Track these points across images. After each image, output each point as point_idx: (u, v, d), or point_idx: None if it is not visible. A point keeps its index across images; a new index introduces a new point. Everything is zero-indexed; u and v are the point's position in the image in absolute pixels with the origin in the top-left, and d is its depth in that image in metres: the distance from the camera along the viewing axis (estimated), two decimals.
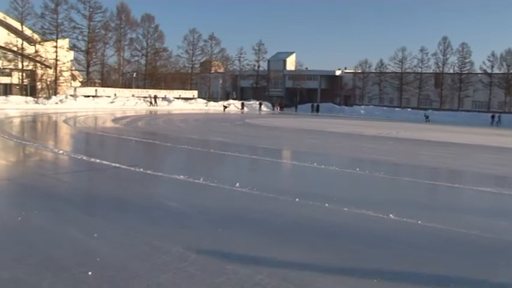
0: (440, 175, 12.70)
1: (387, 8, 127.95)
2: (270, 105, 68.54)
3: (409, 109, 64.47)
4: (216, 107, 60.11)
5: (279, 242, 5.63)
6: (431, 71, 71.60)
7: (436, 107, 66.69)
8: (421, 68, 71.87)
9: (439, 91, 69.57)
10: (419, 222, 6.59)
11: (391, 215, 6.86)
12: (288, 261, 4.96)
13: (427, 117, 52.29)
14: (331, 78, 79.22)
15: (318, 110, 63.20)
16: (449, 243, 5.87)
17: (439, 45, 70.17)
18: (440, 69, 70.30)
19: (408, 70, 72.71)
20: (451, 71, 69.72)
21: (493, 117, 51.15)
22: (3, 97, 46.87)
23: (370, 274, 4.65)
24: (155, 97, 57.67)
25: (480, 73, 68.15)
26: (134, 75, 68.59)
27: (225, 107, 57.20)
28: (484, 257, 5.41)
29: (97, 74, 67.23)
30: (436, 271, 4.85)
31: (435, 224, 6.48)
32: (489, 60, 66.97)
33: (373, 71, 75.99)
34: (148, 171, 10.24)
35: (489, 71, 66.92)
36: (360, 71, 76.66)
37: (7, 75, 60.61)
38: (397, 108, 65.15)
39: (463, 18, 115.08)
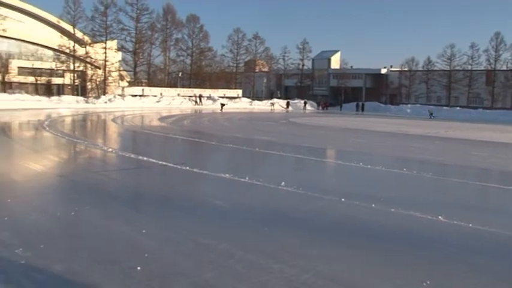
0: (492, 176, 12.26)
1: (435, 4, 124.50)
2: (314, 104, 68.19)
3: (458, 108, 62.61)
4: (260, 106, 60.33)
5: (326, 242, 5.58)
6: (482, 68, 69.12)
7: (487, 106, 64.47)
8: (471, 65, 69.46)
9: (490, 89, 67.05)
10: (470, 225, 6.38)
11: (440, 217, 6.67)
12: (334, 261, 4.91)
13: (431, 113, 50.88)
14: (376, 76, 77.91)
15: (363, 109, 62.34)
16: (502, 247, 5.66)
17: (490, 41, 67.53)
18: (492, 66, 67.63)
19: (457, 67, 70.40)
20: (504, 67, 67.03)
21: None
22: (57, 97, 48.77)
23: (419, 276, 4.54)
24: (200, 96, 58.42)
25: None
26: (180, 75, 69.72)
27: (272, 105, 57.38)
28: None
29: (144, 73, 68.86)
30: (488, 276, 4.69)
31: (487, 228, 6.26)
32: None
33: (420, 69, 74.14)
34: (195, 170, 10.37)
35: None
36: (406, 69, 74.92)
37: (60, 76, 63.01)
38: (445, 107, 63.40)
39: None
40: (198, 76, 71.67)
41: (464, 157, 15.60)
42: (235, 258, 4.84)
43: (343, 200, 7.68)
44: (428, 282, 4.39)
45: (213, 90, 63.68)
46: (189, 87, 65.27)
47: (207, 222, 6.29)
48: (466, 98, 68.40)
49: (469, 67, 69.35)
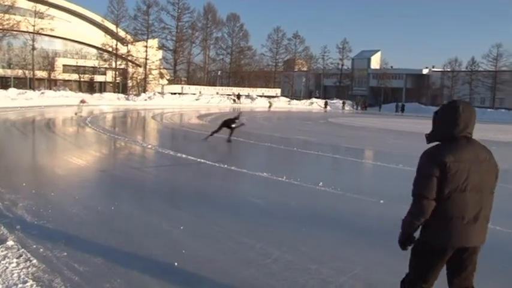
0: None
1: (480, 3, 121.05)
2: (353, 104, 67.45)
3: (503, 110, 60.61)
4: (298, 105, 60.09)
5: (364, 244, 5.48)
6: None
7: None
8: None
9: None
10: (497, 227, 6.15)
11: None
12: (372, 264, 4.82)
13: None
14: (417, 77, 76.29)
15: (403, 110, 61.19)
16: None
17: None
18: None
19: (503, 68, 68.18)
20: None
21: None
22: (99, 94, 50.01)
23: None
24: (239, 95, 58.68)
25: None
26: (219, 73, 70.22)
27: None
28: None
29: (183, 72, 69.76)
30: None
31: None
32: None
33: (464, 69, 72.13)
34: (233, 168, 10.42)
35: None
36: (449, 70, 73.04)
37: (102, 74, 64.50)
38: (489, 109, 61.48)
39: None
40: (236, 75, 72.04)
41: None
42: (272, 257, 4.82)
43: (382, 201, 7.54)
44: None
45: (252, 89, 63.85)
46: (228, 86, 65.67)
47: (244, 220, 6.30)
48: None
49: None
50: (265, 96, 61.19)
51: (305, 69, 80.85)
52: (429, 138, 2.97)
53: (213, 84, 66.69)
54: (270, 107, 48.55)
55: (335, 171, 11.96)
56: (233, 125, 15.95)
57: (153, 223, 5.93)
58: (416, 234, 2.94)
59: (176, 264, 4.49)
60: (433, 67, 76.58)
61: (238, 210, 6.86)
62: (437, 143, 2.90)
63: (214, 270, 4.45)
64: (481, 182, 2.79)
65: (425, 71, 76.24)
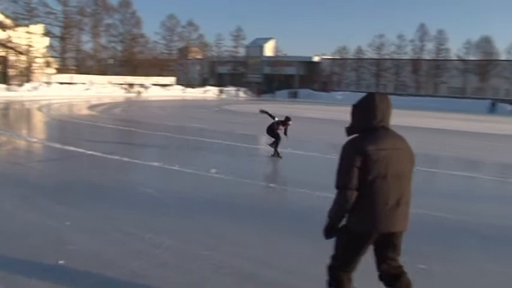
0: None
1: None
2: (248, 91, 68.41)
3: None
4: (193, 93, 59.70)
5: (257, 228, 5.62)
6: (408, 58, 72.26)
7: (411, 93, 67.37)
8: (399, 54, 72.51)
9: (415, 77, 70.29)
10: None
11: None
12: (268, 246, 4.97)
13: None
14: (309, 64, 79.17)
15: (296, 96, 63.30)
16: None
17: (416, 32, 71.03)
18: (418, 55, 71.03)
19: (386, 56, 73.22)
20: (428, 57, 70.57)
21: (493, 104, 51.71)
22: None
23: None
24: (132, 84, 56.95)
25: (456, 60, 69.16)
26: (111, 62, 67.59)
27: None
28: None
29: (72, 60, 66.04)
30: None
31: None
32: (465, 48, 68.33)
33: (351, 57, 76.32)
34: (125, 159, 10.15)
35: (464, 57, 68.05)
36: (338, 57, 76.86)
37: None
38: None
39: (440, 6, 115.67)
40: (129, 63, 69.69)
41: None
42: (163, 246, 4.79)
43: (272, 185, 7.79)
44: None
45: (146, 77, 62.28)
46: (121, 75, 63.45)
47: (135, 211, 6.16)
48: (393, 85, 71.22)
49: (397, 56, 72.39)
50: (159, 85, 59.99)
51: (200, 57, 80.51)
52: (349, 130, 3.06)
53: (105, 73, 64.02)
54: (137, 95, 47.05)
55: (229, 157, 12.07)
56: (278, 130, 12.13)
57: (37, 221, 5.60)
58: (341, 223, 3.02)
59: (61, 262, 4.30)
60: (324, 55, 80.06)
61: (128, 202, 6.70)
62: (356, 135, 2.99)
63: (101, 263, 4.32)
64: (400, 169, 2.92)
65: (316, 59, 79.34)
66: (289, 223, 5.90)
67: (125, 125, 18.55)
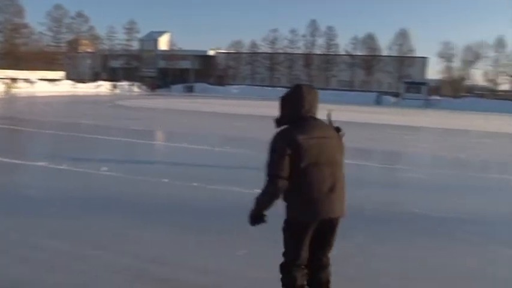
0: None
1: None
2: (142, 86, 66.84)
3: (279, 88, 66.80)
4: (84, 88, 57.10)
5: (149, 224, 5.54)
6: (301, 52, 75.08)
7: None
8: (292, 48, 75.19)
9: (308, 71, 73.21)
10: None
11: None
12: (158, 241, 4.93)
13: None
14: (204, 58, 79.19)
15: (192, 91, 63.04)
16: None
17: (308, 28, 74.02)
18: (309, 50, 74.15)
19: (279, 51, 75.49)
20: (319, 52, 73.98)
21: (379, 97, 55.08)
22: None
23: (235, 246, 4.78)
24: (15, 78, 53.09)
25: (344, 54, 73.15)
26: None
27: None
28: None
29: None
30: None
31: None
32: (352, 43, 72.70)
33: (246, 51, 77.56)
34: (5, 160, 9.48)
35: (352, 53, 72.34)
36: (233, 51, 77.72)
37: None
38: (268, 88, 67.17)
39: (330, 2, 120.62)
40: (11, 56, 64.89)
41: None
42: (50, 250, 4.57)
43: (166, 180, 7.73)
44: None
45: (31, 71, 58.38)
46: (1, 69, 58.89)
47: (15, 215, 5.77)
48: (287, 79, 73.51)
49: (290, 50, 74.96)
50: (47, 80, 56.56)
51: (91, 50, 77.17)
52: (278, 122, 3.04)
53: None
54: (7, 90, 43.94)
55: (122, 154, 11.76)
56: None
57: None
58: (271, 213, 3.00)
59: None
60: (219, 49, 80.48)
61: (9, 206, 6.25)
62: (285, 126, 2.99)
63: None
64: (332, 157, 2.95)
65: (211, 53, 79.58)
66: (180, 218, 5.88)
67: (6, 123, 17.26)
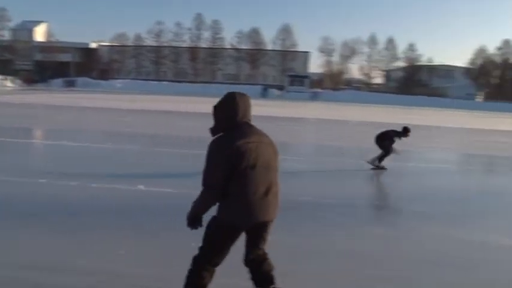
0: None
1: None
2: (16, 80, 62.31)
3: (165, 82, 66.14)
4: None
5: (26, 226, 5.35)
6: (186, 45, 74.82)
7: (191, 80, 69.94)
8: (177, 42, 74.66)
9: (193, 64, 73.19)
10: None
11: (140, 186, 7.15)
12: (34, 246, 4.79)
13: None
14: (86, 51, 75.87)
15: (73, 85, 60.07)
16: None
17: (193, 21, 73.95)
18: (195, 43, 74.16)
19: (164, 44, 74.53)
20: (205, 45, 74.32)
21: (265, 89, 56.41)
22: None
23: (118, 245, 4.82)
24: None
25: (230, 48, 74.22)
26: None
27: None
28: None
29: None
30: None
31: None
32: (237, 37, 74.08)
33: (130, 44, 75.60)
34: None
35: (237, 46, 73.71)
36: (116, 44, 75.29)
37: None
38: (154, 82, 66.14)
39: None
40: None
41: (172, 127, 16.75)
42: None
43: (43, 180, 7.46)
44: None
45: None
46: None
47: None
48: (173, 72, 72.98)
49: (175, 44, 74.36)
50: None
51: None
52: (214, 131, 3.08)
53: None
54: None
55: None
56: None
57: None
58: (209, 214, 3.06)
59: None
60: (102, 42, 77.46)
61: None
62: (221, 134, 3.05)
63: None
64: (268, 161, 3.06)
65: (93, 45, 76.44)
66: (58, 219, 5.75)
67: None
